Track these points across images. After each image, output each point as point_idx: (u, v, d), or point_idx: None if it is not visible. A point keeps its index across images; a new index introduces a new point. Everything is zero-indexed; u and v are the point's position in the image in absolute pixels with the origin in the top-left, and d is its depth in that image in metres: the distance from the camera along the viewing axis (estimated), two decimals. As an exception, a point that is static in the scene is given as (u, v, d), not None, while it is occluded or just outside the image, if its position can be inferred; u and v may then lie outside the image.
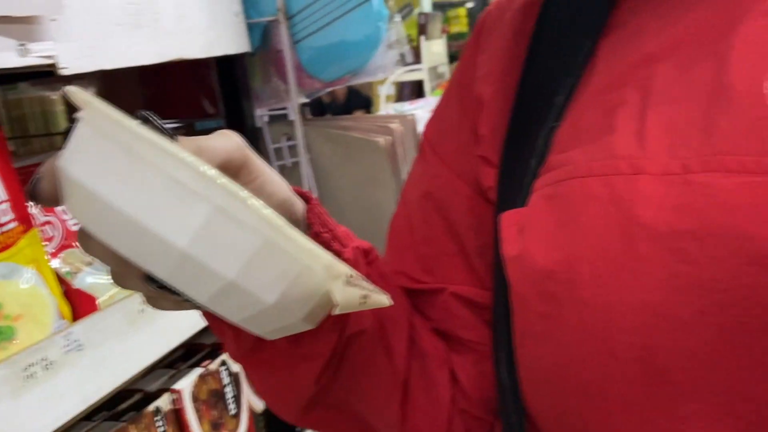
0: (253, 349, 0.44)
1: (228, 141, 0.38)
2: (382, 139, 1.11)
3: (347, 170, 1.15)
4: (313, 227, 0.43)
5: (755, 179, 0.32)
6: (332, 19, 1.08)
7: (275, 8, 1.08)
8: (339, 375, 0.46)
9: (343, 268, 0.33)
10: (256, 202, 0.30)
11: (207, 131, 1.16)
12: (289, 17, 1.10)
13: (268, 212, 0.30)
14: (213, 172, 0.29)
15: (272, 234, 0.30)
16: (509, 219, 0.43)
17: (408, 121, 1.18)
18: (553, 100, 0.45)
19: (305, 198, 0.44)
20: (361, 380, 0.47)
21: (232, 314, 0.32)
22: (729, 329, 0.32)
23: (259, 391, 0.52)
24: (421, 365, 0.49)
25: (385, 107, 3.49)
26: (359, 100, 4.05)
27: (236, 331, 0.43)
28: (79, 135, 0.32)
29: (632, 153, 0.37)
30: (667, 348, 0.34)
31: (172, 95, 1.19)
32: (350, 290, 0.34)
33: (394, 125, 1.13)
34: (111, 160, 0.30)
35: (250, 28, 1.09)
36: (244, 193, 0.30)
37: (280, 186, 0.41)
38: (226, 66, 1.10)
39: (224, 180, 0.30)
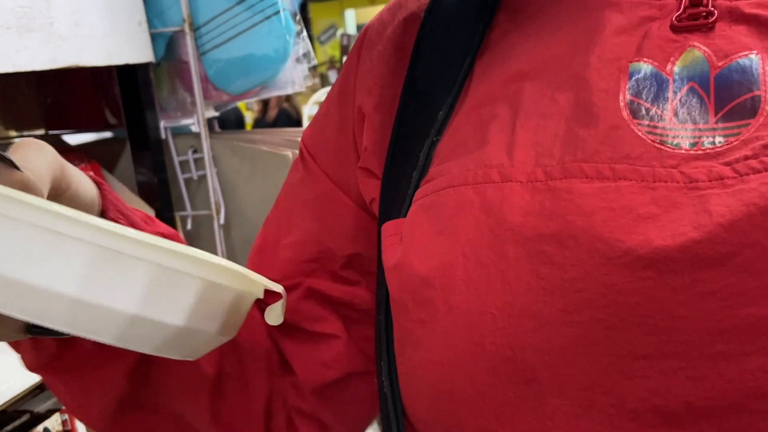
0: (56, 356, 0.42)
1: (46, 157, 0.36)
2: (290, 153, 1.10)
3: (255, 184, 1.14)
4: (108, 213, 0.42)
5: (609, 185, 0.34)
6: (239, 32, 1.07)
7: (181, 19, 1.06)
8: (151, 372, 0.46)
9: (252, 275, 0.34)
10: (134, 233, 0.29)
11: (109, 141, 1.12)
12: (195, 28, 1.08)
13: (151, 238, 0.30)
14: (85, 216, 0.29)
15: (163, 257, 0.30)
16: (389, 229, 0.45)
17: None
18: (435, 115, 0.47)
19: (96, 184, 0.43)
20: (172, 378, 0.47)
21: (143, 346, 0.31)
22: (588, 327, 0.33)
23: (63, 400, 0.50)
24: (237, 361, 0.50)
25: (309, 126, 3.50)
26: (290, 121, 4.05)
27: (34, 340, 0.42)
28: None
29: (502, 162, 0.39)
30: (533, 347, 0.35)
31: (73, 104, 1.15)
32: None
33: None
34: None
35: (155, 38, 1.06)
36: (117, 227, 0.29)
37: (89, 183, 0.41)
38: (130, 76, 1.07)
39: (96, 220, 0.29)
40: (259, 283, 0.36)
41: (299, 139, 1.12)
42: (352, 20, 8.37)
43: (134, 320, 0.30)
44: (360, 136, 0.51)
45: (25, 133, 1.17)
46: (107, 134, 1.14)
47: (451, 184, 0.40)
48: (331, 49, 7.93)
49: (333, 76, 6.63)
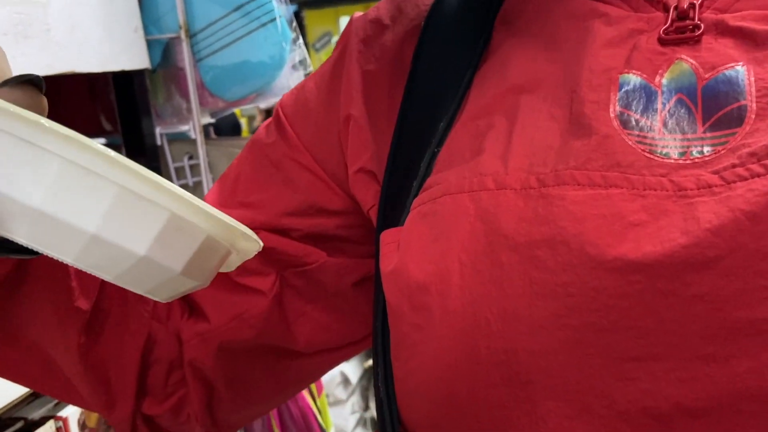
0: None
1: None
2: (285, 160, 1.10)
3: (250, 190, 1.14)
4: None
5: (600, 192, 0.35)
6: (235, 39, 1.08)
7: (177, 25, 1.07)
8: (14, 300, 0.44)
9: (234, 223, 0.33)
10: (108, 151, 0.30)
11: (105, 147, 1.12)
12: (192, 35, 1.09)
13: (124, 160, 0.30)
14: (60, 127, 0.29)
15: (133, 182, 0.30)
16: (388, 237, 0.45)
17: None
18: (437, 126, 0.47)
19: None
20: (38, 308, 0.46)
21: (103, 270, 0.32)
22: (580, 330, 0.34)
23: None
24: (120, 299, 0.49)
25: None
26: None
27: None
28: None
29: (497, 170, 0.40)
30: (527, 350, 0.35)
31: (69, 110, 1.15)
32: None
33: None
34: None
35: (151, 44, 1.07)
36: (93, 143, 0.30)
37: None
38: (125, 82, 1.08)
39: (70, 132, 0.29)
40: (235, 229, 0.35)
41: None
42: (347, 28, 8.37)
43: (95, 240, 0.30)
44: (345, 137, 0.52)
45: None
46: (102, 140, 1.14)
47: (447, 192, 0.41)
48: (326, 56, 7.92)
49: (328, 83, 6.61)
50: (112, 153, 0.30)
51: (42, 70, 0.83)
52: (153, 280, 0.33)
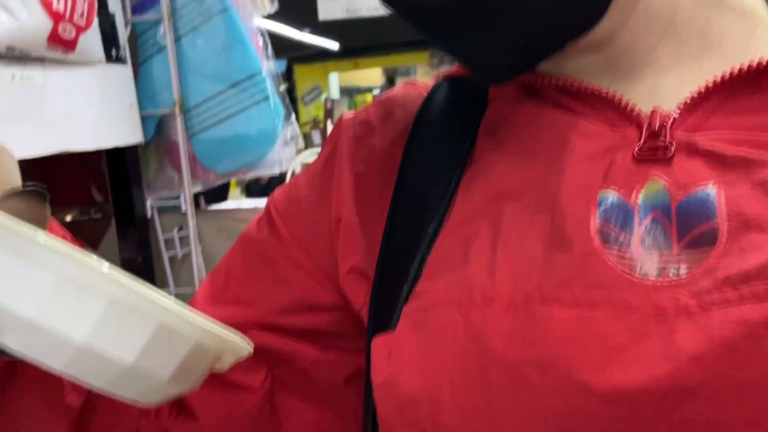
0: None
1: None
2: (275, 234, 1.11)
3: (240, 263, 1.14)
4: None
5: (584, 313, 0.36)
6: (229, 115, 1.10)
7: (172, 101, 1.09)
8: (6, 395, 0.45)
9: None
10: (98, 265, 0.31)
11: (95, 218, 1.11)
12: (186, 110, 1.10)
13: (116, 274, 0.31)
14: (54, 243, 0.30)
15: (122, 294, 0.31)
16: (379, 346, 0.46)
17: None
18: (426, 229, 0.49)
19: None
20: (28, 403, 0.46)
21: (91, 378, 0.32)
22: None
23: None
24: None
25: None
26: (281, 182, 4.10)
27: None
28: None
29: (484, 283, 0.41)
30: None
31: (60, 180, 1.15)
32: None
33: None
34: None
35: (145, 119, 1.08)
36: (86, 258, 0.30)
37: None
38: (118, 154, 1.09)
39: (64, 248, 0.30)
40: (225, 340, 0.36)
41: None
42: (335, 83, 8.54)
43: (84, 350, 0.31)
44: (336, 237, 0.53)
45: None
46: (92, 210, 1.14)
47: (436, 303, 0.42)
48: (315, 110, 8.06)
49: (316, 136, 6.71)
50: (105, 268, 0.31)
51: (36, 151, 0.83)
52: (141, 387, 0.34)
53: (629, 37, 0.45)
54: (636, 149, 0.42)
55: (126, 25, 1.06)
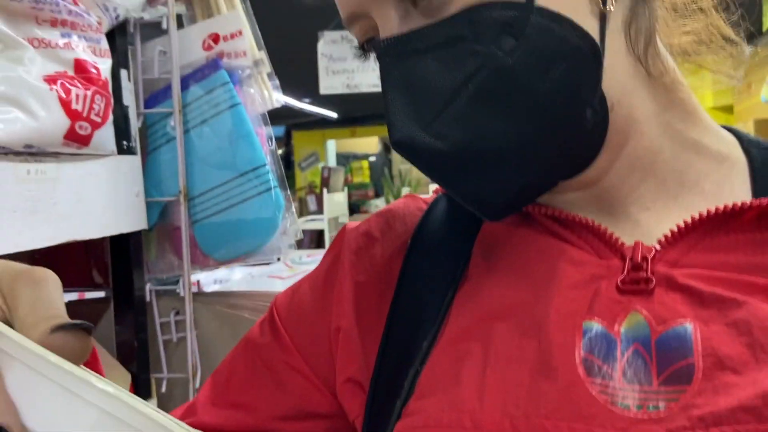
0: None
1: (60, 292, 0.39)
2: (271, 322, 1.13)
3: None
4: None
5: None
6: (231, 204, 1.13)
7: (177, 189, 1.12)
8: None
9: None
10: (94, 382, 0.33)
11: (93, 300, 1.13)
12: (190, 198, 1.14)
13: (154, 414, 0.33)
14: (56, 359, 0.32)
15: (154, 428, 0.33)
16: None
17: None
18: (420, 344, 0.51)
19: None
20: None
21: None
22: None
23: None
24: None
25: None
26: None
27: None
28: None
29: (473, 407, 0.43)
30: None
31: (62, 262, 1.17)
32: None
33: (284, 307, 1.16)
34: None
35: (149, 205, 1.11)
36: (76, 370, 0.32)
37: None
38: (121, 238, 1.11)
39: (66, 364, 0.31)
40: None
41: (281, 307, 1.14)
42: (332, 150, 8.66)
43: None
44: (336, 347, 0.55)
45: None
46: (92, 292, 1.16)
47: (427, 425, 0.44)
48: (311, 175, 8.16)
49: (312, 201, 6.76)
50: (150, 411, 0.34)
51: (45, 241, 0.86)
52: None
53: (614, 179, 0.49)
54: (619, 280, 0.45)
55: (138, 117, 1.10)
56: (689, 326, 0.41)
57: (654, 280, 0.44)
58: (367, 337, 0.55)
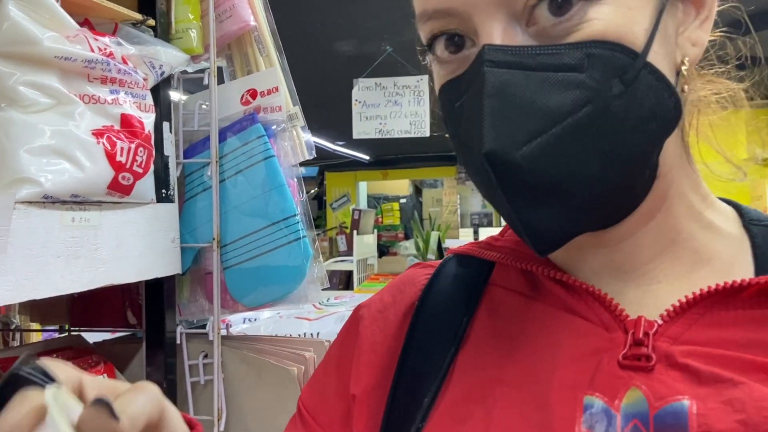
0: None
1: (148, 401, 0.39)
2: (295, 368, 1.15)
3: (259, 394, 1.18)
4: None
5: None
6: (262, 252, 1.17)
7: (210, 236, 1.17)
8: None
9: None
10: None
11: (126, 340, 1.17)
12: (222, 245, 1.18)
13: None
14: None
15: None
16: None
17: (323, 347, 1.24)
18: (421, 402, 0.54)
19: (191, 426, 0.46)
20: None
21: None
22: None
23: None
24: None
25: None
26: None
27: None
28: None
29: None
30: None
31: (98, 303, 1.22)
32: None
33: (309, 354, 1.18)
34: None
35: (184, 251, 1.16)
36: None
37: (183, 427, 0.44)
38: (156, 282, 1.15)
39: None
40: None
41: (305, 354, 1.17)
42: (364, 192, 8.73)
43: None
44: (352, 413, 0.58)
45: (48, 326, 1.23)
46: (125, 333, 1.20)
47: None
48: (342, 216, 8.24)
49: (341, 242, 6.81)
50: None
51: (86, 285, 0.90)
52: None
53: (634, 245, 0.51)
54: (621, 355, 0.47)
55: (177, 166, 1.16)
56: (686, 403, 0.43)
57: (654, 357, 0.46)
58: (378, 395, 0.58)
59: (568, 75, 0.43)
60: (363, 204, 8.59)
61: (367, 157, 8.34)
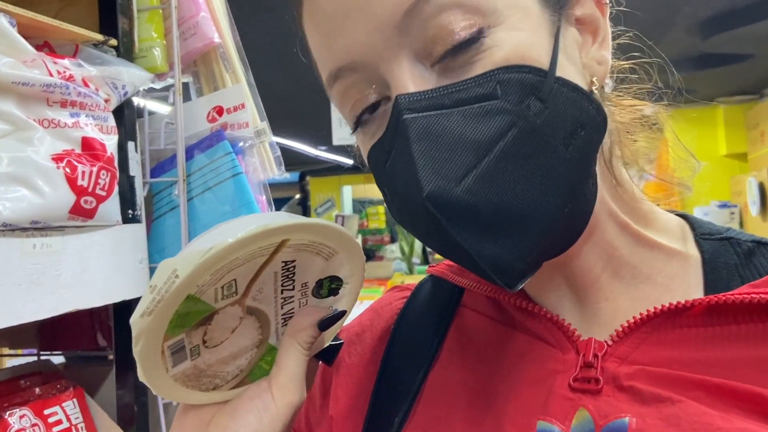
0: None
1: None
2: (268, 387, 1.15)
3: (232, 413, 1.17)
4: None
5: None
6: (232, 270, 1.16)
7: (179, 256, 1.16)
8: None
9: None
10: None
11: (96, 362, 1.15)
12: (192, 265, 1.17)
13: None
14: None
15: None
16: None
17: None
18: (392, 420, 0.55)
19: None
20: None
21: None
22: None
23: None
24: None
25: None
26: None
27: None
28: None
29: None
30: None
31: (66, 326, 1.21)
32: None
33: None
34: None
35: (153, 271, 1.15)
36: None
37: None
38: (124, 305, 1.14)
39: None
40: None
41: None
42: (348, 196, 8.74)
43: None
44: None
45: (18, 351, 1.22)
46: (95, 354, 1.19)
47: None
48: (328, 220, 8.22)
49: (327, 247, 6.79)
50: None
51: (47, 312, 0.89)
52: None
53: (582, 263, 0.52)
54: (571, 379, 0.48)
55: (144, 186, 1.15)
56: (626, 420, 0.45)
57: (602, 380, 0.48)
58: (354, 417, 0.59)
59: (486, 104, 0.43)
60: (348, 208, 8.59)
61: (351, 162, 8.33)
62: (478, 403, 0.53)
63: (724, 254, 0.51)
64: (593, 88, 0.49)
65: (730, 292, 0.46)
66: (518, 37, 0.44)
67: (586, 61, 0.50)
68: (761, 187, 5.01)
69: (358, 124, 0.51)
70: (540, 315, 0.54)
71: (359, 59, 0.47)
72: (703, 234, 0.55)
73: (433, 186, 0.42)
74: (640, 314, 0.50)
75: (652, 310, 0.50)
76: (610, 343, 0.51)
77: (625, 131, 0.55)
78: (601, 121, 0.47)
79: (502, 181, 0.43)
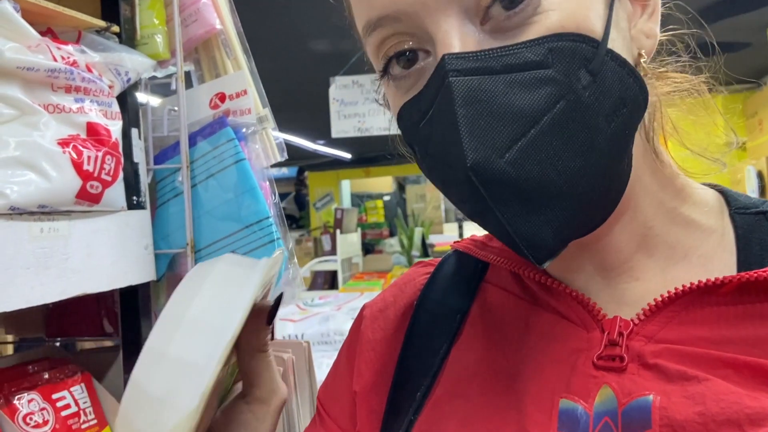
0: None
1: None
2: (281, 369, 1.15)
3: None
4: None
5: None
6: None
7: (184, 242, 1.16)
8: None
9: None
10: None
11: (103, 348, 1.16)
12: (196, 250, 1.18)
13: None
14: None
15: None
16: None
17: (302, 348, 1.24)
18: (415, 395, 0.56)
19: None
20: None
21: None
22: None
23: None
24: None
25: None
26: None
27: None
28: None
29: None
30: None
31: (73, 312, 1.21)
32: None
33: (287, 355, 1.18)
34: None
35: (158, 257, 1.16)
36: None
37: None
38: (130, 290, 1.15)
39: None
40: None
41: (284, 356, 1.17)
42: (347, 190, 8.73)
43: None
44: (356, 409, 0.60)
45: (24, 336, 1.23)
46: (102, 340, 1.20)
47: None
48: (326, 215, 8.23)
49: (326, 241, 6.79)
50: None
51: (57, 296, 0.90)
52: None
53: (612, 243, 0.52)
54: (595, 356, 0.48)
55: (148, 173, 1.15)
56: (650, 398, 0.44)
57: (627, 357, 0.47)
58: (378, 392, 0.60)
59: (536, 72, 0.41)
60: (347, 202, 8.58)
61: (349, 156, 8.33)
62: (500, 381, 0.52)
63: (758, 229, 0.49)
64: (641, 61, 0.47)
65: (763, 269, 0.45)
66: (574, 2, 0.43)
67: (634, 33, 0.48)
68: (760, 175, 5.02)
69: (387, 71, 0.48)
70: (564, 293, 0.54)
71: (405, 9, 0.44)
72: (738, 208, 0.52)
73: (478, 156, 0.41)
74: (668, 292, 0.49)
75: (681, 288, 0.49)
76: (636, 321, 0.50)
77: (666, 104, 0.54)
78: (643, 99, 0.46)
79: (545, 156, 0.41)
